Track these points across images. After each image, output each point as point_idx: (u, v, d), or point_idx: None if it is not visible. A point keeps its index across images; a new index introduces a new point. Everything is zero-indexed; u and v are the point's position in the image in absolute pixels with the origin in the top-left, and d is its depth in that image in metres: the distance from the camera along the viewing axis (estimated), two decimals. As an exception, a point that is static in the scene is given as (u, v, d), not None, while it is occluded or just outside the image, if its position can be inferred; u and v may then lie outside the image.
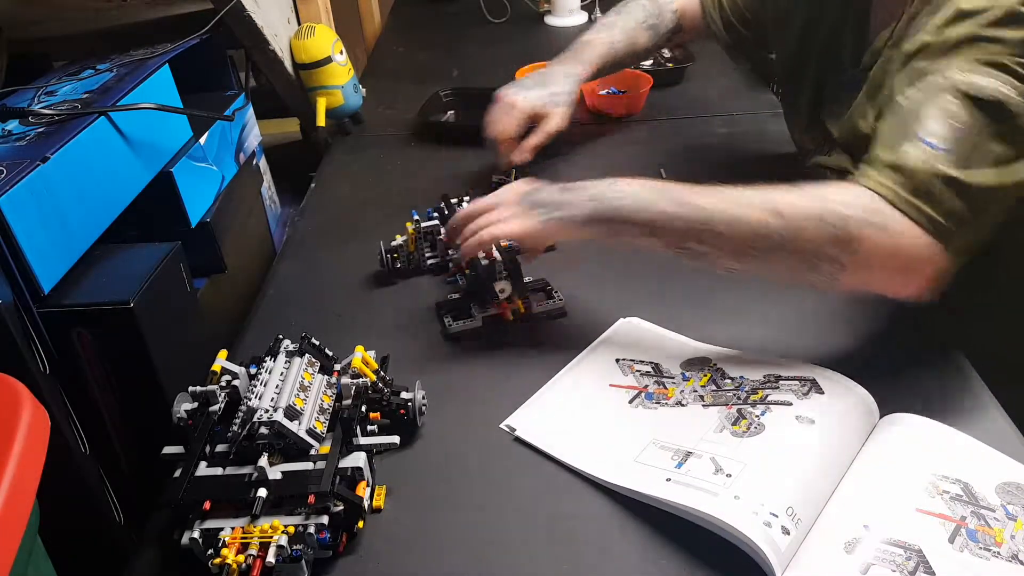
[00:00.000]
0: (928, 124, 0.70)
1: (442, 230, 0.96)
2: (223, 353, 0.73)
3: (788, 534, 0.58)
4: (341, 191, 1.20)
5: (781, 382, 0.72)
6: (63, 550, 0.63)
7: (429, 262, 0.98)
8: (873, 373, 0.74)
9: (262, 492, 0.61)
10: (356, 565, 0.63)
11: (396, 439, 0.69)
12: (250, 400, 0.67)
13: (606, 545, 0.63)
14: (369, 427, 0.70)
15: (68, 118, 0.83)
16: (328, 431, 0.68)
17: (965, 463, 0.65)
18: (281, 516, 0.61)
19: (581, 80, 1.12)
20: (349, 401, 0.70)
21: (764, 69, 1.29)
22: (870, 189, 0.70)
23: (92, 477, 0.78)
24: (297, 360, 0.72)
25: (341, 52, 1.31)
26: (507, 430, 0.74)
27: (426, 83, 1.47)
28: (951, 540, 0.59)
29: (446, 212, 0.97)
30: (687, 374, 0.78)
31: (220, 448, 0.66)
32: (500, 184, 1.15)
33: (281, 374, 0.70)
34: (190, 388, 0.71)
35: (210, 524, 0.61)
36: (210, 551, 0.60)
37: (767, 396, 0.71)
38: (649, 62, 1.51)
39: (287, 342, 0.74)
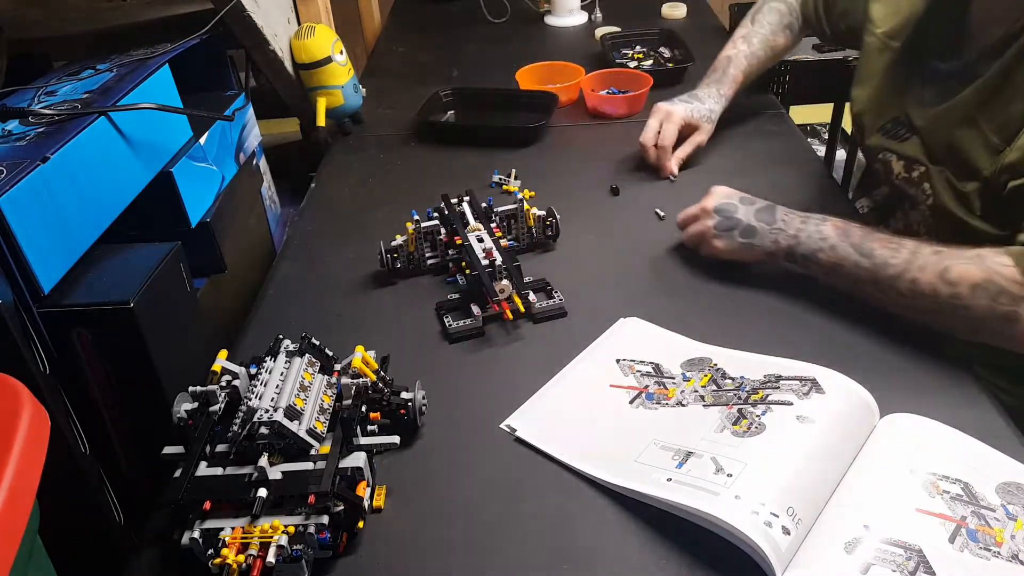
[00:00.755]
0: None
1: (442, 230, 0.96)
2: (223, 353, 0.73)
3: (788, 534, 0.58)
4: (341, 191, 1.20)
5: (782, 382, 0.72)
6: (63, 550, 0.63)
7: (429, 262, 0.98)
8: (873, 373, 0.74)
9: (262, 492, 0.61)
10: (356, 565, 0.63)
11: (396, 439, 0.69)
12: (250, 400, 0.67)
13: (606, 545, 0.63)
14: (369, 427, 0.70)
15: (68, 118, 0.83)
16: (328, 431, 0.68)
17: (965, 463, 0.65)
18: (281, 516, 0.61)
19: (728, 99, 1.18)
20: (349, 401, 0.70)
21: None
22: None
23: (92, 477, 0.78)
24: (297, 360, 0.72)
25: (341, 52, 1.31)
26: (507, 430, 0.74)
27: (426, 83, 1.47)
28: (951, 540, 0.59)
29: (446, 212, 0.97)
30: (687, 374, 0.78)
31: (220, 448, 0.66)
32: (500, 184, 1.16)
33: (281, 374, 0.70)
34: (190, 388, 0.71)
35: (210, 524, 0.61)
36: (210, 551, 0.60)
37: (768, 396, 0.71)
38: (649, 62, 1.51)
39: (287, 342, 0.74)
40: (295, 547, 0.60)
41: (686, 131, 1.14)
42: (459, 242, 0.92)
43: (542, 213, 1.00)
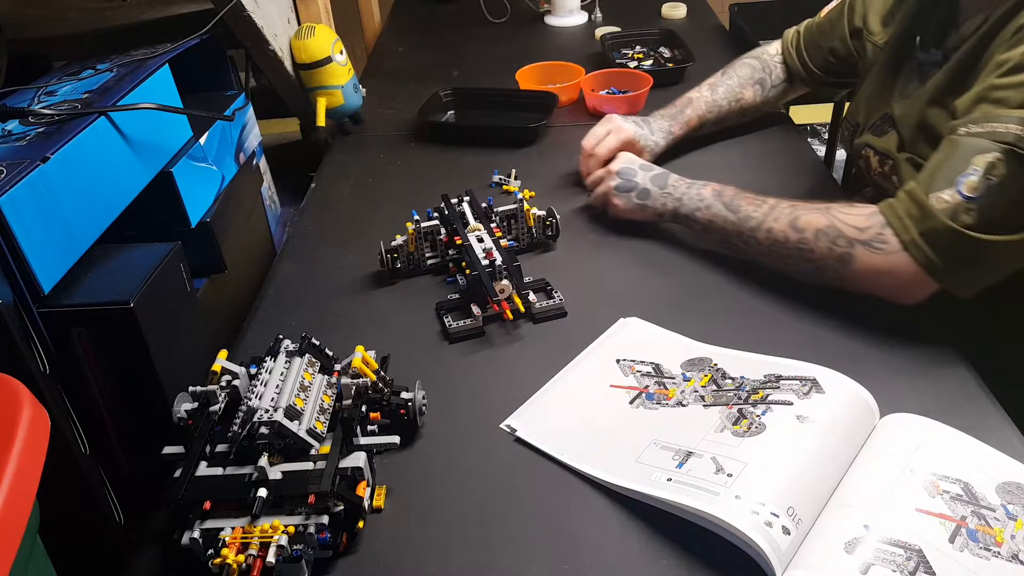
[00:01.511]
0: (970, 174, 0.73)
1: (442, 230, 0.96)
2: (223, 353, 0.73)
3: (789, 534, 0.58)
4: (341, 191, 1.20)
5: (782, 382, 0.72)
6: (63, 550, 0.63)
7: (429, 262, 0.98)
8: (873, 373, 0.74)
9: (262, 492, 0.61)
10: (356, 565, 0.63)
11: (396, 439, 0.69)
12: (250, 400, 0.67)
13: (606, 545, 0.63)
14: (369, 427, 0.70)
15: (68, 118, 0.83)
16: (328, 431, 0.68)
17: (965, 463, 0.65)
18: (281, 516, 0.61)
19: (675, 139, 1.17)
20: (349, 401, 0.70)
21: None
22: (886, 217, 0.78)
23: (92, 477, 0.78)
24: (297, 360, 0.72)
25: (341, 52, 1.31)
26: (507, 430, 0.74)
27: (426, 83, 1.47)
28: (951, 540, 0.59)
29: (446, 212, 0.97)
30: (687, 374, 0.78)
31: (220, 448, 0.66)
32: (500, 184, 1.16)
33: (281, 374, 0.70)
34: (190, 388, 0.71)
35: (210, 524, 0.61)
36: (210, 551, 0.60)
37: (768, 396, 0.71)
38: (649, 62, 1.51)
39: (287, 342, 0.74)
40: (295, 547, 0.60)
41: (627, 150, 1.11)
42: (459, 242, 0.92)
43: (542, 213, 1.00)
